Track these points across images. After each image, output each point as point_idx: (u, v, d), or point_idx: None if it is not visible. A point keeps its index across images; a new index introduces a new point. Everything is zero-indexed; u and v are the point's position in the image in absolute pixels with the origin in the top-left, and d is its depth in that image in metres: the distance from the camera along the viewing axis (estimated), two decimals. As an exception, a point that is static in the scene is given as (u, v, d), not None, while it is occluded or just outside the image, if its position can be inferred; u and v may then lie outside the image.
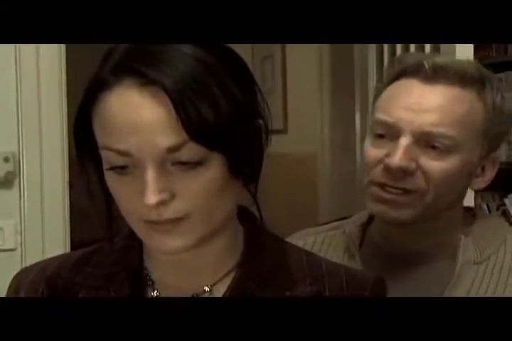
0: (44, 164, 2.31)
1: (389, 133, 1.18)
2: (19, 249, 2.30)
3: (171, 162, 0.86)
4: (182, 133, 0.84)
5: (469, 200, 1.92)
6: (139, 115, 0.84)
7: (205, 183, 0.87)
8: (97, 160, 0.91)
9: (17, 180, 2.30)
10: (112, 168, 0.87)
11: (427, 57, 1.21)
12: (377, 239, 1.29)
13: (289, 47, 4.00)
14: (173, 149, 0.85)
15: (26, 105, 2.29)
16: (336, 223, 1.39)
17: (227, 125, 0.86)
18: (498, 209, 2.87)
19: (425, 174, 1.16)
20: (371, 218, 1.32)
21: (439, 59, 1.20)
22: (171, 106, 0.83)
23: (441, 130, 1.15)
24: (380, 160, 1.18)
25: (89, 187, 0.94)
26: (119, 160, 0.86)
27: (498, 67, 2.76)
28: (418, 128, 1.16)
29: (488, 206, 2.85)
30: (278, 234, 1.01)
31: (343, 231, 1.33)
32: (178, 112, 0.83)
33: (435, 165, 1.16)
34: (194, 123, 0.84)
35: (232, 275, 0.95)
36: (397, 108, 1.18)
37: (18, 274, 1.02)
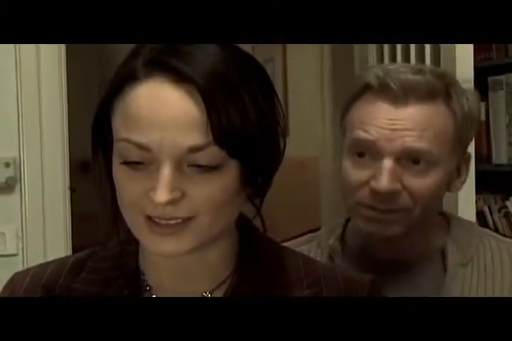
0: (45, 169, 2.31)
1: (370, 152, 1.18)
2: (20, 254, 2.30)
3: (187, 163, 0.85)
4: (207, 135, 0.84)
5: (471, 203, 1.92)
6: (167, 111, 0.84)
7: (217, 188, 0.86)
8: (109, 154, 0.89)
9: (18, 185, 2.30)
10: (125, 163, 0.86)
11: (387, 73, 1.18)
12: (358, 250, 1.28)
13: (289, 50, 3.99)
14: (194, 150, 0.84)
15: (27, 110, 2.29)
16: (307, 236, 1.36)
17: (252, 132, 0.86)
18: (499, 211, 2.86)
19: (411, 193, 1.17)
20: (345, 228, 1.31)
21: (403, 75, 1.17)
22: (201, 106, 0.83)
23: (421, 148, 1.15)
24: (364, 183, 1.18)
25: (101, 179, 0.92)
26: (136, 155, 0.85)
27: (498, 70, 2.76)
28: (399, 147, 1.15)
29: (489, 208, 2.84)
30: (280, 237, 1.00)
31: (317, 245, 1.31)
32: (209, 114, 0.83)
33: (419, 182, 1.17)
34: (222, 127, 0.84)
35: (230, 281, 0.95)
36: (375, 127, 1.17)
37: (11, 280, 1.01)
